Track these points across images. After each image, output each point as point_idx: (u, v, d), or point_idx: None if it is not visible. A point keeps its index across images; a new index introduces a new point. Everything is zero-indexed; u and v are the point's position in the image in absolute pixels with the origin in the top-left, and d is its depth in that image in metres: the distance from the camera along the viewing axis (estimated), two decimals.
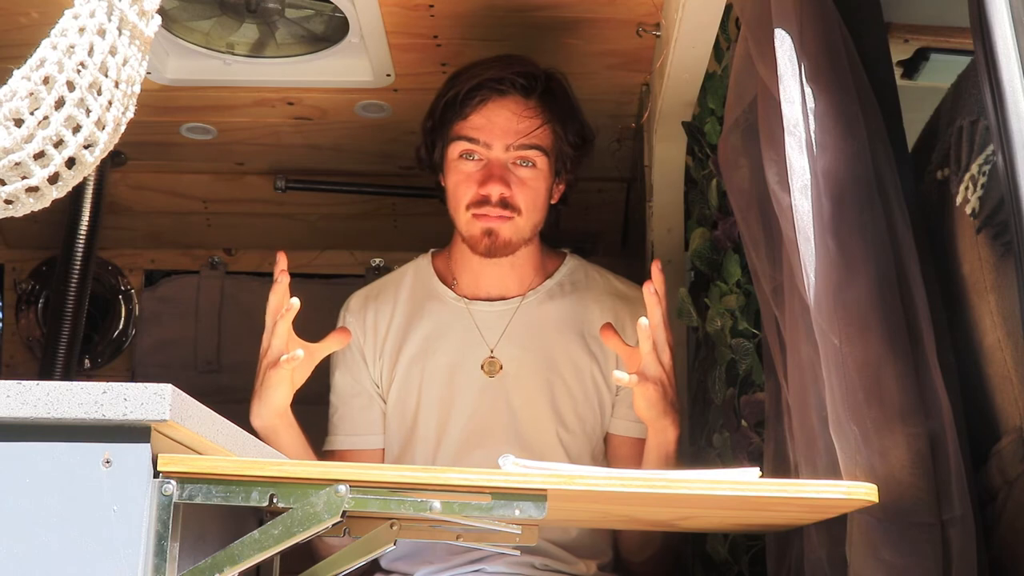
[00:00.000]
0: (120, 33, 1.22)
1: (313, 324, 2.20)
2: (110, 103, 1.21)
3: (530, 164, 1.95)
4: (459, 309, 2.04)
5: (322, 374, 2.13)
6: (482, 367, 2.00)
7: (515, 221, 1.94)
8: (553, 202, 2.03)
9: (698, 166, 2.20)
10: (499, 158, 1.93)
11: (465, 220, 1.95)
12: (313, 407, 2.07)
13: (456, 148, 1.95)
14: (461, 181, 1.95)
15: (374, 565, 1.96)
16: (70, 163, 1.19)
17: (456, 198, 1.96)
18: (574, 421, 1.99)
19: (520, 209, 1.93)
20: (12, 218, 1.19)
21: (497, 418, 1.97)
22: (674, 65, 2.00)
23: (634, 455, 1.97)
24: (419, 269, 2.11)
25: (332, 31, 2.21)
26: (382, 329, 2.05)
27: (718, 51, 2.01)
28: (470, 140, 1.94)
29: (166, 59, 2.29)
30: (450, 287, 2.06)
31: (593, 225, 2.92)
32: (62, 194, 1.20)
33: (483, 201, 1.92)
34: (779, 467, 1.55)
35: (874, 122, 1.36)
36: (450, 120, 1.96)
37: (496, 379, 1.99)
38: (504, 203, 1.92)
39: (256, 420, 1.81)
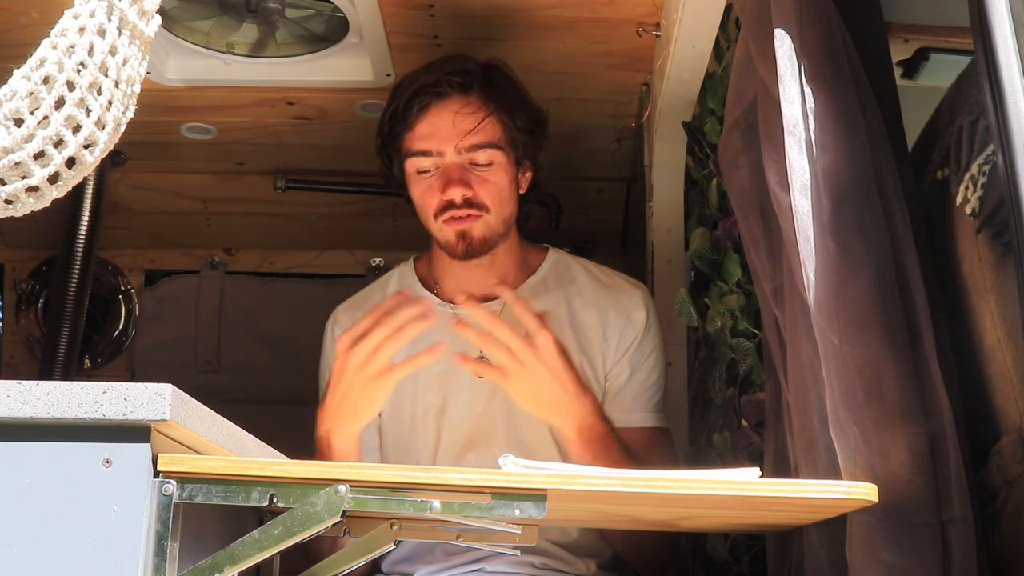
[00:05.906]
0: (120, 33, 1.22)
1: (313, 324, 2.21)
2: (110, 103, 1.21)
3: (486, 161, 1.95)
4: (445, 314, 2.03)
5: (311, 374, 2.13)
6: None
7: (485, 219, 1.93)
8: (522, 191, 2.03)
9: (698, 166, 2.20)
10: (454, 161, 1.93)
11: (437, 228, 1.96)
12: (311, 407, 2.07)
13: (411, 164, 1.96)
14: (424, 192, 1.96)
15: (374, 566, 1.96)
16: (70, 163, 1.18)
17: (424, 210, 1.97)
18: None
19: (487, 206, 1.93)
20: (12, 218, 1.19)
21: (492, 420, 1.96)
22: (674, 65, 2.00)
23: (633, 445, 1.97)
24: (403, 276, 2.11)
25: (332, 31, 2.21)
26: None
27: (718, 51, 2.01)
28: (422, 153, 1.94)
29: (166, 59, 2.29)
30: (433, 292, 2.05)
31: (593, 225, 2.92)
32: (62, 194, 1.20)
33: (448, 206, 1.92)
34: (779, 467, 1.55)
35: (874, 122, 1.35)
36: (399, 134, 1.97)
37: (486, 381, 1.97)
38: (469, 203, 1.92)
39: (340, 433, 1.80)
